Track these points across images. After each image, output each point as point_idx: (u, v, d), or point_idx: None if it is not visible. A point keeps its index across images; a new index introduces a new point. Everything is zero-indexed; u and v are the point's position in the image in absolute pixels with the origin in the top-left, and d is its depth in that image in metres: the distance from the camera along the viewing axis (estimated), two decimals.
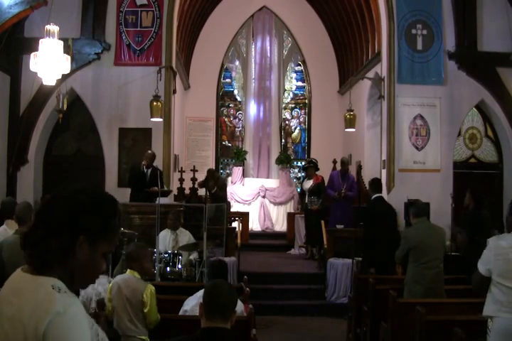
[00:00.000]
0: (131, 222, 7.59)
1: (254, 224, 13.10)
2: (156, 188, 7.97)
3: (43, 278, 1.32)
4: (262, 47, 15.08)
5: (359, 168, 11.67)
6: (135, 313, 3.94)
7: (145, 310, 3.94)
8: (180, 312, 4.22)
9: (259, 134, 14.84)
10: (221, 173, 14.54)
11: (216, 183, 9.77)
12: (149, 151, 8.62)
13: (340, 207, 9.21)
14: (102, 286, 4.37)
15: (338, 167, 10.34)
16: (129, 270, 4.12)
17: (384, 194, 9.55)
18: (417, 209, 5.41)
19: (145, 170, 8.40)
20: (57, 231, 1.35)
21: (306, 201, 9.77)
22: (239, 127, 15.33)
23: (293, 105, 15.52)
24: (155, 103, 8.99)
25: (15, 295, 1.31)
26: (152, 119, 9.08)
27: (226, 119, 15.34)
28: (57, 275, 1.34)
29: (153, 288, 4.06)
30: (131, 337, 3.93)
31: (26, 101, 9.53)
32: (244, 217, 11.48)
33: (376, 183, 6.96)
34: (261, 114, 14.93)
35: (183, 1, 11.01)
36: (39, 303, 1.25)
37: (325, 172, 10.31)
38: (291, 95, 15.50)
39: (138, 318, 3.95)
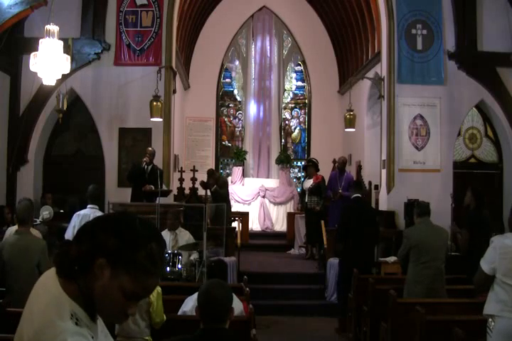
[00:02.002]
0: None
1: (254, 224, 13.10)
2: (151, 186, 7.98)
3: (67, 298, 1.29)
4: (262, 47, 15.08)
5: (359, 168, 11.70)
6: (139, 314, 3.94)
7: (151, 311, 3.94)
8: (179, 313, 4.22)
9: (259, 134, 14.85)
10: (221, 173, 14.54)
11: (216, 182, 9.78)
12: (150, 148, 8.66)
13: (339, 207, 9.21)
14: None
15: None
16: None
17: (384, 194, 9.62)
18: (420, 209, 5.41)
19: (146, 167, 8.43)
20: (81, 239, 1.33)
21: (306, 200, 9.76)
22: (239, 127, 15.33)
23: (293, 105, 15.52)
24: (155, 103, 8.99)
25: (44, 293, 1.30)
26: (152, 119, 9.08)
27: (226, 119, 15.34)
28: (82, 295, 1.31)
29: (160, 288, 4.06)
30: (135, 338, 3.93)
31: (26, 101, 9.53)
32: (244, 217, 11.48)
33: (356, 185, 7.46)
34: (261, 113, 14.93)
35: (183, 1, 11.01)
36: (50, 325, 1.23)
37: (325, 172, 10.31)
38: (291, 95, 15.49)
39: (142, 319, 3.95)
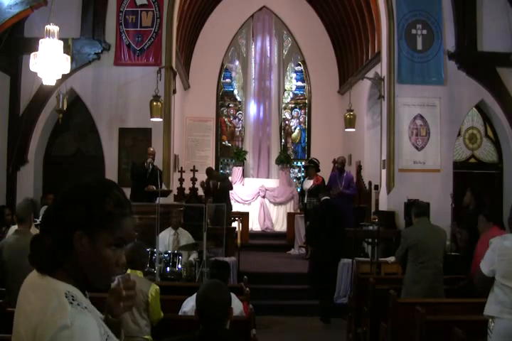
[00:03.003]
0: None
1: (254, 224, 13.10)
2: (153, 187, 7.99)
3: (57, 282, 1.30)
4: (262, 47, 15.08)
5: (359, 168, 11.70)
6: (139, 313, 3.95)
7: (150, 309, 3.96)
8: (180, 313, 4.22)
9: (259, 134, 14.85)
10: (221, 173, 14.55)
11: (217, 179, 9.84)
12: (151, 148, 8.68)
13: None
14: None
15: None
16: (130, 270, 4.11)
17: (384, 194, 9.63)
18: (418, 209, 5.42)
19: (149, 167, 8.42)
20: (49, 227, 1.33)
21: (306, 201, 9.76)
22: (239, 127, 15.33)
23: (293, 105, 15.52)
24: (155, 103, 8.99)
25: (33, 291, 1.31)
26: (152, 119, 9.08)
27: (226, 119, 15.34)
28: (71, 276, 1.32)
29: (158, 287, 4.07)
30: (135, 337, 3.93)
31: (26, 101, 9.53)
32: (244, 217, 11.48)
33: (324, 189, 8.37)
34: (261, 114, 14.93)
35: (183, 1, 11.01)
36: (49, 314, 1.24)
37: (325, 172, 10.31)
38: (291, 95, 15.49)
39: (141, 318, 3.96)
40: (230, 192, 11.13)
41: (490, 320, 3.34)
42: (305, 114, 15.38)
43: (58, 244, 1.31)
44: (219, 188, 9.69)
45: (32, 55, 6.54)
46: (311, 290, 7.82)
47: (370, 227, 8.79)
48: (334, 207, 7.69)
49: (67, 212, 1.32)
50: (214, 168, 13.09)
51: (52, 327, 1.22)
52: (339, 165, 9.73)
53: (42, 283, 1.31)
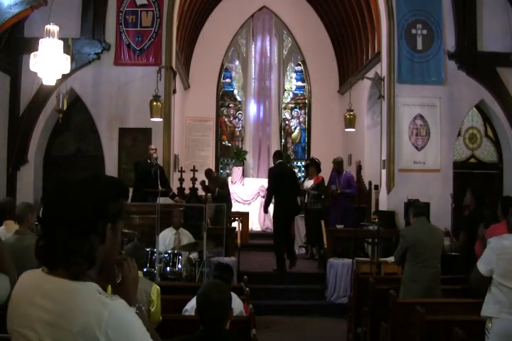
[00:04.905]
0: (131, 221, 7.58)
1: (254, 224, 13.10)
2: (177, 198, 8.10)
3: (81, 283, 1.29)
4: (262, 47, 15.08)
5: (359, 168, 11.70)
6: None
7: (152, 310, 3.94)
8: (183, 312, 4.22)
9: (259, 134, 14.85)
10: (221, 173, 14.55)
11: (216, 184, 9.81)
12: (153, 145, 8.70)
13: (340, 207, 9.26)
14: None
15: None
16: None
17: (384, 194, 9.63)
18: (416, 209, 5.43)
19: (154, 163, 8.42)
20: (92, 223, 1.33)
21: (306, 201, 9.74)
22: (239, 127, 15.33)
23: (293, 105, 15.52)
24: (155, 103, 8.99)
25: (45, 298, 1.27)
26: (152, 119, 9.08)
27: (226, 119, 15.34)
28: (89, 276, 1.33)
29: (159, 287, 4.06)
30: None
31: (26, 101, 9.53)
32: (244, 217, 11.48)
33: (278, 154, 9.24)
34: (261, 114, 14.94)
35: (183, 1, 11.01)
36: (93, 313, 1.24)
37: (325, 172, 10.29)
38: (291, 95, 15.50)
39: None
40: (231, 192, 11.12)
41: (487, 321, 3.33)
42: (305, 114, 15.38)
43: (100, 240, 1.34)
44: (217, 195, 9.70)
45: (32, 54, 6.54)
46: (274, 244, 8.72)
47: (370, 227, 8.79)
48: (285, 168, 9.05)
49: (112, 209, 1.36)
50: (214, 168, 13.10)
51: (100, 321, 1.23)
52: (336, 166, 9.72)
53: (59, 287, 1.28)
